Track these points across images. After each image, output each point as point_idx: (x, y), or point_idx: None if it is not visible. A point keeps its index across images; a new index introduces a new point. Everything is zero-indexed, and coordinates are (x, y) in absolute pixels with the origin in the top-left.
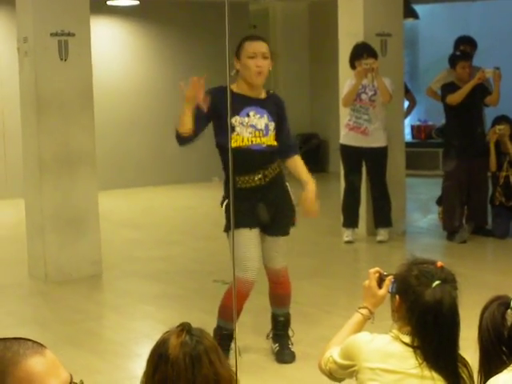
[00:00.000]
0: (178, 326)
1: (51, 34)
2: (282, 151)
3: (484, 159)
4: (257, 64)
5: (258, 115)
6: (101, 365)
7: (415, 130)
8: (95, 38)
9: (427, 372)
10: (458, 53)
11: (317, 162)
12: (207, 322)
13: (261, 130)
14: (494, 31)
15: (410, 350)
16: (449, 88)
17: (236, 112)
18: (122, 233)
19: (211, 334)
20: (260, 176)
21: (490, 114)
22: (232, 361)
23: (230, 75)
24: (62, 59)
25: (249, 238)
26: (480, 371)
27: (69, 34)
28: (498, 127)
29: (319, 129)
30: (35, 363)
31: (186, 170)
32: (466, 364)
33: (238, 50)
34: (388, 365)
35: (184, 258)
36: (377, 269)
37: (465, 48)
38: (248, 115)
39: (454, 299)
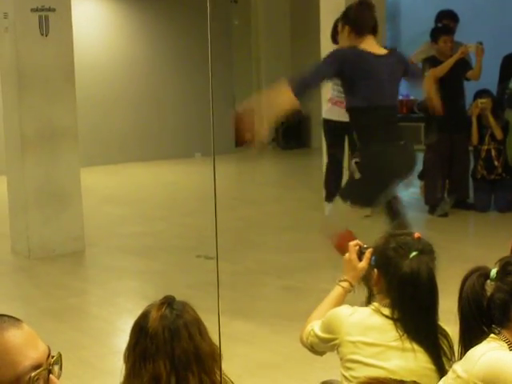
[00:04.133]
0: (162, 299)
1: (32, 10)
2: None
3: (465, 133)
4: None
5: None
6: (85, 340)
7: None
8: (76, 14)
9: (408, 344)
10: (439, 27)
11: (299, 138)
12: (191, 297)
13: None
14: (476, 6)
15: (391, 322)
16: (430, 62)
17: None
18: (105, 209)
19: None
20: None
21: (470, 88)
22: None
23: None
24: (42, 35)
25: None
26: (460, 342)
27: (49, 10)
28: (480, 101)
29: (301, 104)
30: (13, 336)
31: (168, 146)
32: (446, 335)
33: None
34: (368, 338)
35: (167, 233)
36: (356, 241)
37: (447, 22)
38: None
39: (432, 269)
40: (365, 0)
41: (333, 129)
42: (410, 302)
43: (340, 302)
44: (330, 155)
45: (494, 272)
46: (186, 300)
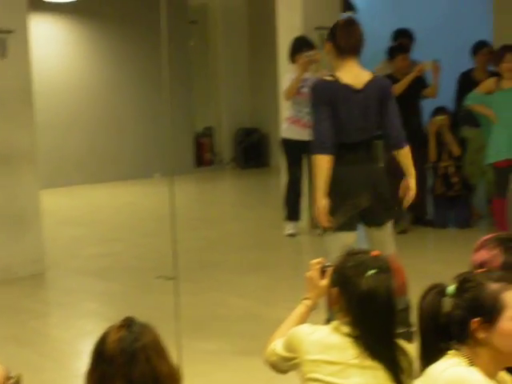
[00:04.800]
0: (121, 321)
1: None
2: None
3: (423, 150)
4: None
5: None
6: (46, 363)
7: None
8: (34, 35)
9: (367, 362)
10: (396, 45)
11: (258, 157)
12: (151, 318)
13: None
14: (432, 24)
15: (350, 340)
16: None
17: None
18: (64, 230)
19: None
20: None
21: (428, 105)
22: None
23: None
24: (0, 56)
25: None
26: (420, 359)
27: (7, 31)
28: (437, 118)
29: (260, 123)
30: None
31: (127, 167)
32: (406, 352)
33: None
34: (328, 356)
35: (127, 254)
36: (319, 260)
37: (403, 41)
38: None
39: (390, 287)
40: (351, 20)
41: (291, 148)
42: (368, 320)
43: (303, 319)
44: (288, 174)
45: (451, 289)
46: (146, 321)
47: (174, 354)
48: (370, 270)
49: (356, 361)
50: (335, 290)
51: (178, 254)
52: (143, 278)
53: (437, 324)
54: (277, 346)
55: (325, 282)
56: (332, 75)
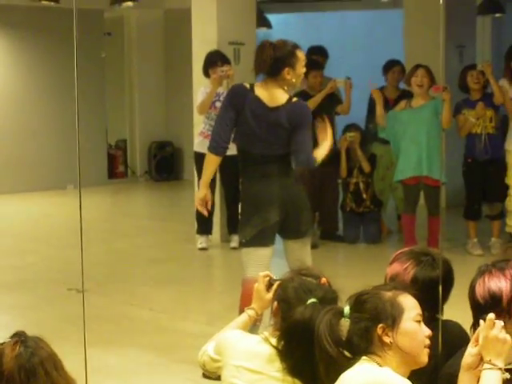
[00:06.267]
0: (13, 336)
1: None
2: None
3: (334, 166)
4: None
5: None
6: None
7: None
8: None
9: (289, 377)
10: (308, 62)
11: (171, 170)
12: (62, 330)
13: None
14: (345, 41)
15: (277, 353)
16: (301, 96)
17: None
18: None
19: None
20: None
21: (340, 122)
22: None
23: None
24: None
25: None
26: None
27: None
28: (348, 134)
29: (173, 137)
30: None
31: (41, 178)
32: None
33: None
34: (252, 364)
35: (38, 266)
36: (266, 273)
37: (317, 57)
38: None
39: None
40: (266, 42)
41: (203, 162)
42: (295, 344)
43: (244, 328)
44: None
45: (347, 309)
46: (57, 335)
47: (81, 367)
48: (311, 297)
49: (278, 374)
50: (275, 304)
51: (89, 266)
52: (55, 290)
53: (337, 342)
54: (209, 346)
55: (269, 296)
56: (252, 84)
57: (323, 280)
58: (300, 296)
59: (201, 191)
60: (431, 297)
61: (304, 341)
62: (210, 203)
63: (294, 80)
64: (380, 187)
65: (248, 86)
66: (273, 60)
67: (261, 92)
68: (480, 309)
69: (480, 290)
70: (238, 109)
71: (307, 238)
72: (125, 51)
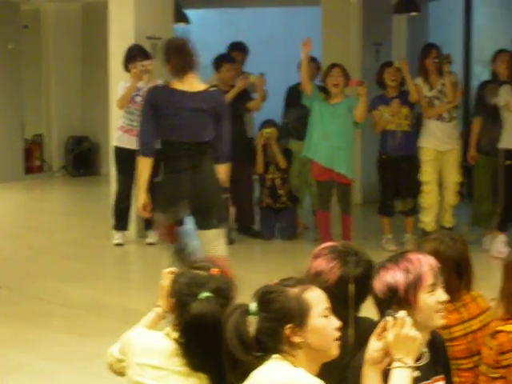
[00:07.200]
0: None
1: None
2: None
3: (250, 162)
4: None
5: None
6: None
7: None
8: None
9: (193, 371)
10: (221, 55)
11: (88, 165)
12: None
13: None
14: (263, 37)
15: (179, 347)
16: None
17: None
18: None
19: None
20: None
21: (259, 117)
22: None
23: None
24: None
25: None
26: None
27: None
28: (265, 130)
29: (90, 131)
30: None
31: None
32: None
33: None
34: (154, 361)
35: None
36: (171, 269)
37: (236, 54)
38: None
39: (218, 314)
40: (183, 45)
41: (123, 156)
42: (194, 341)
43: (152, 326)
44: (118, 183)
45: (253, 306)
46: None
47: None
48: (204, 291)
49: (181, 368)
50: (171, 300)
51: (2, 262)
52: None
53: (244, 343)
54: (115, 347)
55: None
56: (166, 81)
57: (214, 270)
58: (192, 291)
59: (140, 198)
60: (357, 296)
61: (204, 336)
62: (149, 207)
63: None
64: (296, 183)
65: (160, 84)
66: (194, 59)
67: (177, 85)
68: (382, 303)
69: (378, 285)
70: (157, 106)
71: (219, 230)
72: (42, 44)
